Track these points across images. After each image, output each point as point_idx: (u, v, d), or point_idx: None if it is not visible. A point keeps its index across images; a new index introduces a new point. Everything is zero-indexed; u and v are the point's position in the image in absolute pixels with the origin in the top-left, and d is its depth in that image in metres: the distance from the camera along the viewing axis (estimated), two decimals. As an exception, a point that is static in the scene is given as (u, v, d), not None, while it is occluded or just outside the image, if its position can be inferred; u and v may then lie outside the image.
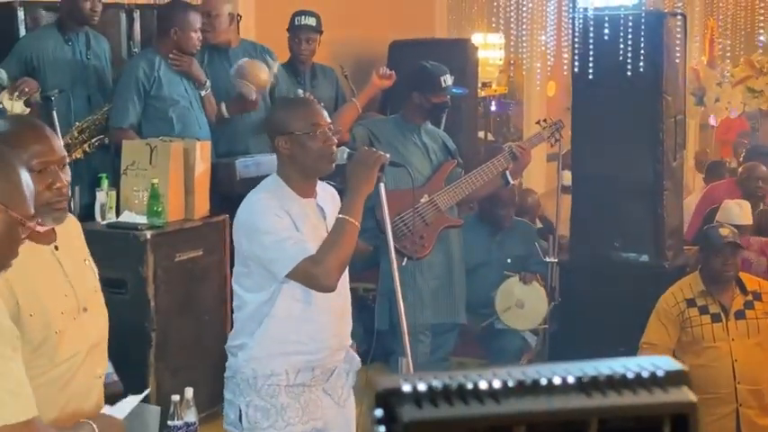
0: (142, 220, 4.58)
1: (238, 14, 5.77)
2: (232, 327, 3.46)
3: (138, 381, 4.13)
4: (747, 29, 9.32)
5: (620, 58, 5.32)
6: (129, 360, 4.07)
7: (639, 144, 5.54)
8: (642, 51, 5.32)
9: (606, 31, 5.38)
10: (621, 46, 5.32)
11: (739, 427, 4.64)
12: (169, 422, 2.94)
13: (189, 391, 3.04)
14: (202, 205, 4.83)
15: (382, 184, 3.25)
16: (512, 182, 5.13)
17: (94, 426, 2.44)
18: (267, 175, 3.40)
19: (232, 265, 3.49)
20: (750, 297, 4.77)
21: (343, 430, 3.41)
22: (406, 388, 0.79)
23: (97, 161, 5.13)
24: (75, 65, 5.22)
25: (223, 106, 5.45)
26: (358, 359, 3.46)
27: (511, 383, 0.78)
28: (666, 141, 5.53)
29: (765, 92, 9.81)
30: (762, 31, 8.43)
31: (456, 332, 5.18)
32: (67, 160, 2.58)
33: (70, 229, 2.71)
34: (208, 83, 5.33)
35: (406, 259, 4.55)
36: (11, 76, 4.89)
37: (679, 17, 5.83)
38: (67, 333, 2.53)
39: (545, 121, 5.37)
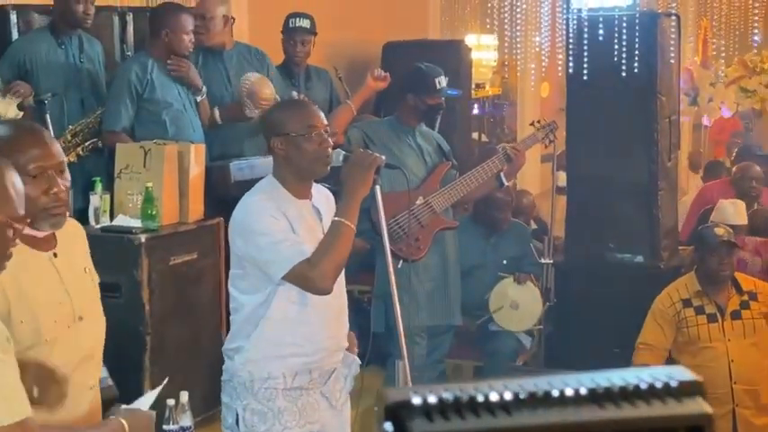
0: (136, 223, 4.56)
1: (232, 17, 5.75)
2: (228, 330, 3.45)
3: (133, 385, 4.12)
4: (741, 29, 9.32)
5: (615, 58, 5.32)
6: (124, 364, 4.05)
7: (634, 144, 5.54)
8: (636, 52, 5.32)
9: (600, 31, 5.38)
10: (616, 46, 5.32)
11: (736, 428, 4.64)
12: (164, 426, 2.92)
13: (184, 395, 3.03)
14: (197, 208, 4.81)
15: (378, 187, 3.24)
16: (506, 183, 5.12)
17: (124, 422, 2.43)
18: (261, 178, 3.39)
19: (227, 269, 3.48)
20: (746, 297, 4.77)
21: (339, 434, 3.40)
22: (416, 401, 0.77)
23: (91, 165, 5.11)
24: (69, 68, 5.20)
25: (216, 112, 5.43)
26: (357, 363, 3.45)
27: (522, 396, 0.76)
28: (661, 142, 5.53)
29: (758, 91, 9.83)
30: (756, 30, 8.43)
31: (451, 334, 5.17)
32: (66, 165, 2.55)
33: (74, 237, 2.69)
34: (204, 88, 5.32)
35: (401, 261, 4.54)
36: (4, 80, 4.87)
37: (673, 17, 5.84)
38: (59, 341, 2.50)
39: (539, 122, 5.36)
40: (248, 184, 3.48)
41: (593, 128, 5.58)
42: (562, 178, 6.04)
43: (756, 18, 7.93)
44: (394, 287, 3.27)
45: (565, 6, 5.75)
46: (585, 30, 5.45)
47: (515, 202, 6.48)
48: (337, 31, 6.87)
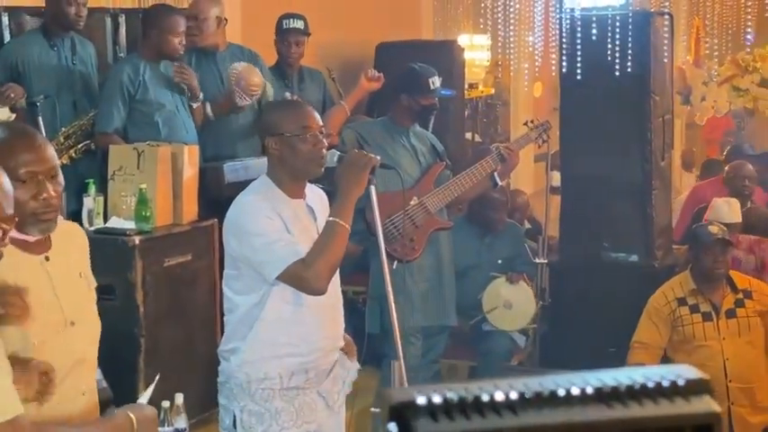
0: (130, 225, 4.55)
1: (224, 18, 5.74)
2: (222, 331, 3.44)
3: (127, 387, 4.11)
4: (733, 28, 9.34)
5: (608, 58, 5.32)
6: (119, 366, 4.03)
7: (628, 144, 5.54)
8: (630, 51, 5.32)
9: (594, 31, 5.38)
10: (609, 46, 5.32)
11: (731, 426, 4.64)
12: (159, 428, 2.91)
13: (179, 397, 3.02)
14: (191, 210, 4.80)
15: (373, 187, 3.23)
16: (500, 183, 5.12)
17: (131, 414, 2.42)
18: (255, 179, 3.38)
19: (221, 270, 3.47)
20: (741, 295, 4.77)
21: (335, 434, 3.40)
22: (421, 401, 0.76)
23: (84, 167, 5.09)
24: (61, 70, 5.18)
25: (208, 107, 5.42)
26: (356, 368, 3.45)
27: (528, 395, 0.75)
28: (654, 141, 5.53)
29: (751, 90, 9.86)
30: (749, 29, 8.45)
31: (446, 334, 5.16)
32: (59, 170, 2.50)
33: (72, 241, 2.66)
34: (201, 96, 5.32)
35: (396, 262, 4.53)
36: (-4, 82, 4.86)
37: (666, 16, 5.84)
38: (48, 345, 2.47)
39: (532, 122, 5.36)
40: (242, 185, 3.47)
41: (586, 127, 5.58)
42: (556, 178, 6.03)
43: (749, 17, 7.94)
44: (389, 288, 3.26)
45: (558, 6, 5.76)
46: (579, 29, 5.45)
47: (511, 202, 6.49)
48: (330, 31, 6.86)
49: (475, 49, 9.50)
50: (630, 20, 5.42)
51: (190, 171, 4.78)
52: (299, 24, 6.00)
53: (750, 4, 7.37)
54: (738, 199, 6.06)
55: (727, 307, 4.75)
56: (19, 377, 2.28)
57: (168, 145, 4.81)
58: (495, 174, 4.94)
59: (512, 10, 7.13)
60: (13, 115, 4.72)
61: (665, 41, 5.67)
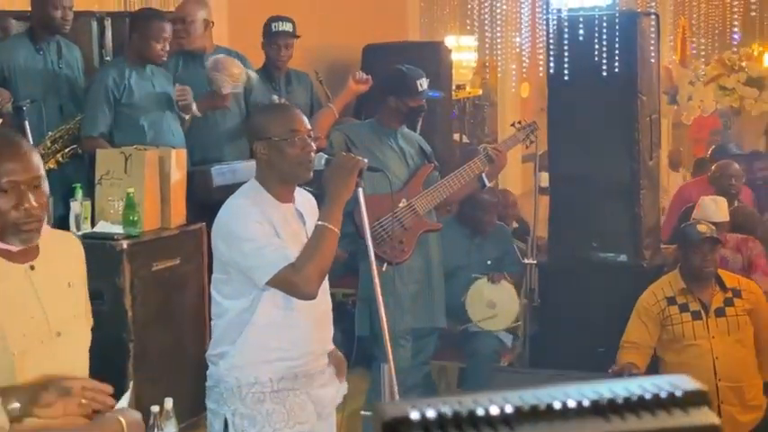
0: (118, 229, 4.53)
1: (211, 21, 5.73)
2: (211, 335, 3.43)
3: (116, 392, 4.08)
4: (719, 27, 9.36)
5: (596, 58, 5.32)
6: (108, 371, 3.99)
7: (615, 144, 5.55)
8: (617, 51, 5.33)
9: (581, 31, 5.38)
10: (596, 46, 5.32)
11: (721, 425, 4.64)
12: (149, 433, 2.90)
13: (168, 402, 3.00)
14: (179, 214, 4.78)
15: (360, 190, 3.22)
16: (488, 184, 5.12)
17: (121, 418, 2.39)
18: (243, 182, 3.37)
19: (210, 274, 3.46)
20: (730, 294, 4.79)
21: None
22: (415, 416, 0.74)
23: (71, 171, 5.07)
24: (47, 74, 5.16)
25: (194, 105, 5.41)
26: (344, 390, 3.45)
27: (524, 409, 0.73)
28: (642, 141, 5.54)
29: (737, 89, 9.88)
30: (736, 29, 8.47)
31: (436, 336, 5.16)
32: (43, 180, 2.44)
33: (63, 251, 2.62)
34: (194, 109, 5.31)
35: (385, 264, 4.53)
36: (-18, 87, 4.83)
37: (652, 17, 5.85)
38: (31, 356, 2.43)
39: (519, 122, 5.36)
40: (230, 189, 3.46)
41: (574, 127, 5.59)
42: (545, 178, 6.03)
43: (736, 16, 7.95)
44: (378, 290, 3.25)
45: (545, 7, 5.75)
46: (566, 30, 5.45)
47: (501, 202, 6.49)
48: (317, 34, 6.85)
49: (462, 50, 9.52)
50: (617, 20, 5.43)
51: (177, 175, 4.76)
52: (288, 27, 5.99)
53: (736, 3, 7.38)
54: (725, 198, 6.08)
55: (717, 306, 4.76)
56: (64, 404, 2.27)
57: (156, 149, 4.79)
58: (484, 175, 4.94)
59: (498, 11, 7.12)
60: (0, 120, 4.70)
61: (652, 41, 5.68)
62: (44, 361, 2.46)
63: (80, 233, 4.54)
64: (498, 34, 7.26)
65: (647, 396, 0.76)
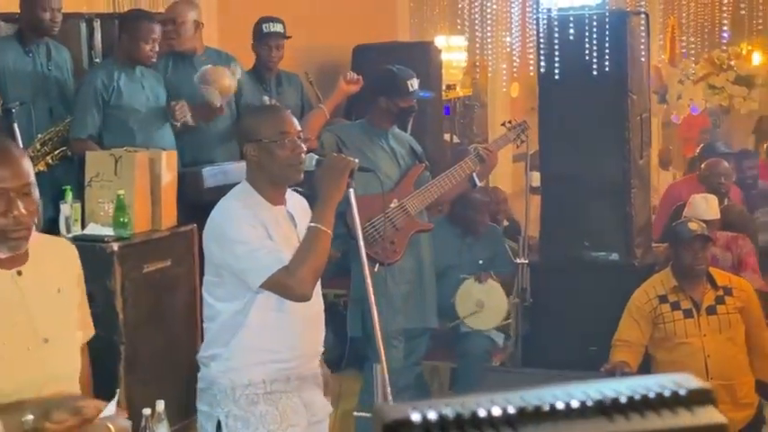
0: (108, 232, 4.51)
1: (201, 22, 5.72)
2: (202, 337, 3.42)
3: (107, 395, 4.06)
4: (709, 26, 9.37)
5: (586, 57, 5.32)
6: (99, 374, 3.99)
7: (606, 143, 5.55)
8: (607, 50, 5.33)
9: (571, 31, 5.38)
10: (587, 46, 5.32)
11: (713, 423, 4.65)
12: (142, 437, 2.88)
13: (160, 404, 2.99)
14: (169, 215, 4.77)
15: (352, 190, 3.22)
16: (479, 184, 5.12)
17: (110, 426, 2.38)
18: (234, 184, 3.36)
19: (202, 275, 3.45)
20: (721, 292, 4.79)
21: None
22: (416, 418, 0.73)
23: (61, 173, 5.05)
24: (37, 76, 5.14)
25: (185, 104, 5.39)
26: (328, 409, 3.44)
27: (527, 409, 0.72)
28: (633, 140, 5.54)
29: (726, 88, 9.90)
30: (725, 27, 8.48)
31: (428, 336, 5.15)
32: (34, 187, 2.41)
33: (55, 256, 2.59)
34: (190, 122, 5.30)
35: (377, 265, 4.52)
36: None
37: (642, 16, 5.85)
38: (18, 362, 2.40)
39: (510, 122, 5.37)
40: (221, 190, 3.45)
41: (565, 127, 5.59)
42: (536, 178, 6.03)
43: (725, 15, 7.97)
44: (371, 291, 3.25)
45: (535, 6, 5.75)
46: (556, 29, 5.45)
47: (493, 201, 6.50)
48: (307, 35, 6.84)
49: (452, 50, 9.50)
50: (607, 19, 5.43)
51: (168, 176, 4.75)
52: (279, 28, 5.99)
53: (725, 2, 7.39)
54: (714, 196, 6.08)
55: (708, 304, 4.77)
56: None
57: (146, 151, 4.78)
58: (475, 175, 4.94)
59: (488, 11, 7.12)
60: (-11, 123, 4.68)
61: (642, 40, 5.68)
62: (29, 368, 2.43)
63: (70, 235, 4.53)
64: (488, 34, 7.26)
65: (652, 395, 0.75)
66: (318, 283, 3.27)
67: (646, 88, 5.87)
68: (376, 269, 4.48)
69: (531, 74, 6.00)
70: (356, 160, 3.24)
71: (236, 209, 3.18)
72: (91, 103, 5.06)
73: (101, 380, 4.00)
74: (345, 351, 4.80)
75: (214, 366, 3.23)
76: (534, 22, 5.70)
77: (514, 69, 6.93)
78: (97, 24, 5.68)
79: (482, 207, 5.80)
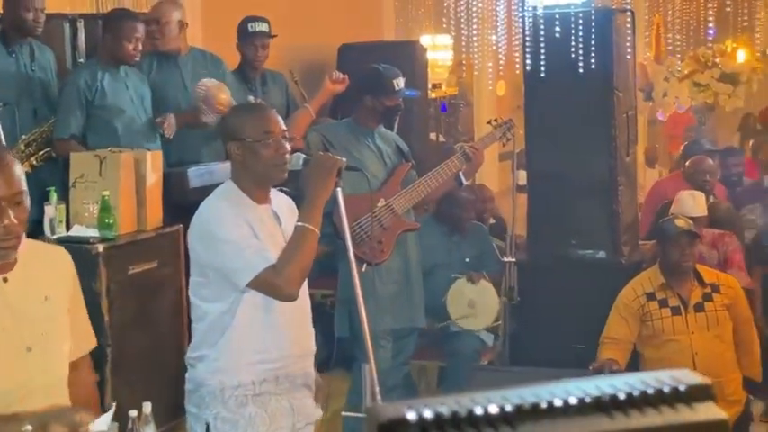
0: (93, 233, 4.49)
1: (186, 22, 5.69)
2: (190, 338, 3.39)
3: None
4: (694, 24, 9.40)
5: (572, 55, 5.32)
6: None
7: (592, 140, 5.55)
8: (593, 48, 5.33)
9: (557, 28, 5.38)
10: (572, 43, 5.32)
11: (701, 420, 4.65)
12: (128, 439, 2.86)
13: (147, 406, 2.96)
14: (155, 216, 4.75)
15: (339, 190, 3.20)
16: (465, 182, 5.11)
17: None
18: (220, 184, 3.34)
19: (188, 276, 3.42)
20: (708, 289, 4.80)
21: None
22: (411, 416, 0.72)
23: (45, 174, 5.02)
24: (20, 77, 5.10)
25: (172, 117, 5.36)
26: (318, 415, 3.42)
27: (525, 407, 0.71)
28: (619, 137, 5.54)
29: (711, 86, 9.91)
30: (710, 25, 8.50)
31: (416, 336, 5.14)
32: (25, 196, 2.36)
33: (46, 264, 2.54)
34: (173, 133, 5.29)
35: (365, 265, 4.51)
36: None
37: (628, 13, 5.85)
38: (1, 371, 2.36)
39: (496, 120, 5.36)
40: (207, 190, 3.43)
41: (551, 125, 5.58)
42: (522, 176, 6.03)
43: (710, 12, 7.98)
44: (358, 291, 3.23)
45: (520, 4, 5.75)
46: (542, 27, 5.44)
47: (479, 198, 6.49)
48: (291, 34, 6.81)
49: (437, 49, 9.49)
50: (593, 17, 5.43)
51: (153, 177, 4.72)
52: (264, 27, 5.97)
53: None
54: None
55: (696, 301, 4.77)
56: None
57: (131, 151, 4.75)
58: (461, 173, 4.93)
59: (474, 9, 7.11)
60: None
61: (628, 38, 5.69)
62: (11, 376, 2.39)
63: (55, 237, 4.50)
64: (474, 32, 7.25)
65: (651, 392, 0.74)
66: (305, 282, 3.25)
67: (631, 86, 5.88)
68: (363, 269, 4.46)
69: (517, 72, 5.99)
70: (344, 159, 3.22)
71: (222, 208, 3.16)
72: (74, 103, 5.03)
73: (87, 382, 3.98)
74: (333, 351, 4.79)
75: (202, 367, 3.21)
76: (520, 20, 5.70)
77: (500, 68, 6.93)
78: (81, 24, 5.65)
79: (468, 205, 5.80)
